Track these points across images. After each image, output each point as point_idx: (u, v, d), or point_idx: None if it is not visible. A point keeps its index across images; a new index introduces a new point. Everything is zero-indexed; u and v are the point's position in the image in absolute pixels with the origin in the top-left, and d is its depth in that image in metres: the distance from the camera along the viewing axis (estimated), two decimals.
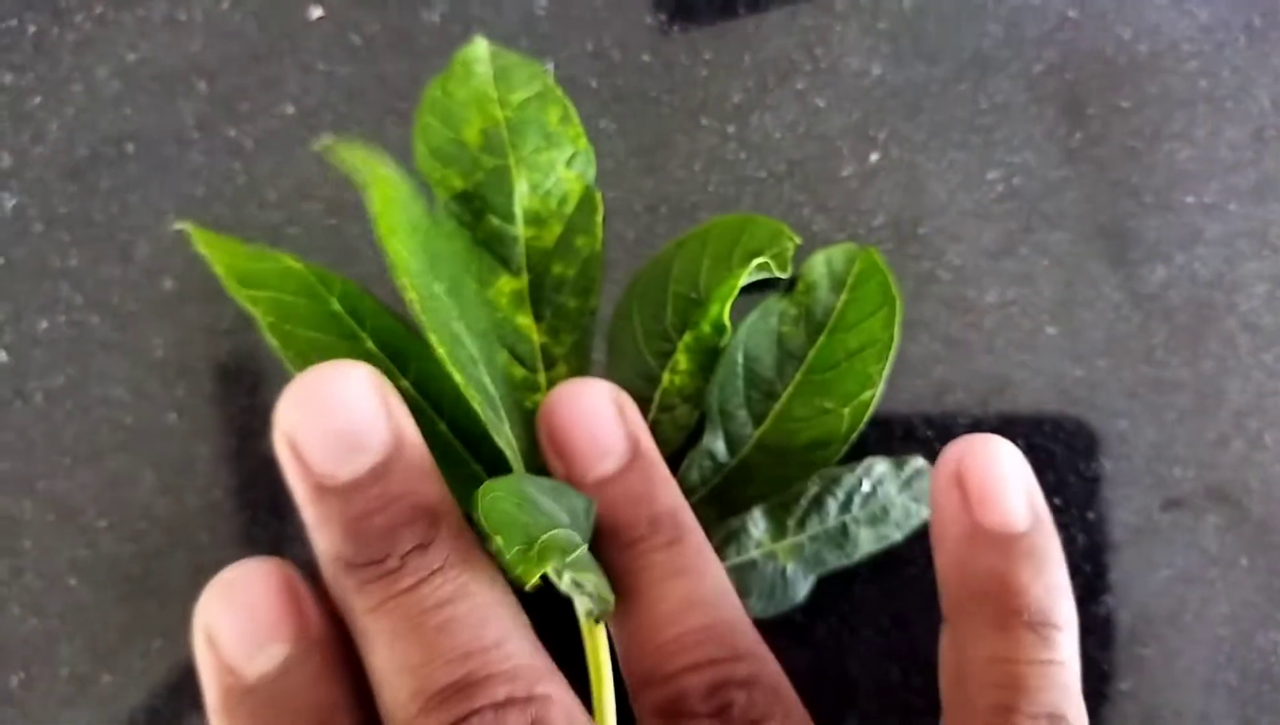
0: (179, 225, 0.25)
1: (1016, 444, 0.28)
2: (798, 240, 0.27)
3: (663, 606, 0.22)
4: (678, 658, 0.21)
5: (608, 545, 0.23)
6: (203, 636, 0.20)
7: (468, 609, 0.20)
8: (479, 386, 0.24)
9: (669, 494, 0.24)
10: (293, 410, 0.20)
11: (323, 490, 0.20)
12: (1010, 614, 0.21)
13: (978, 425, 0.29)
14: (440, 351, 0.22)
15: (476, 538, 0.21)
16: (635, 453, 0.24)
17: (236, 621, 0.20)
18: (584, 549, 0.22)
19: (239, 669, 0.20)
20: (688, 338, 0.27)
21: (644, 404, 0.27)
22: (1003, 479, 0.22)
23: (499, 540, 0.19)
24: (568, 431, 0.24)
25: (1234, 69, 0.30)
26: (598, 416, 0.24)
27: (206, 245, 0.23)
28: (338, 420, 0.20)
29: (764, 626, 0.27)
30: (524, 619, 0.21)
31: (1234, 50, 0.31)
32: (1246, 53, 0.31)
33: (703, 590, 0.22)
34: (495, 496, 0.20)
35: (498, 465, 0.25)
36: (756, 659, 0.22)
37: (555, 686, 0.20)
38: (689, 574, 0.22)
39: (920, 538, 0.28)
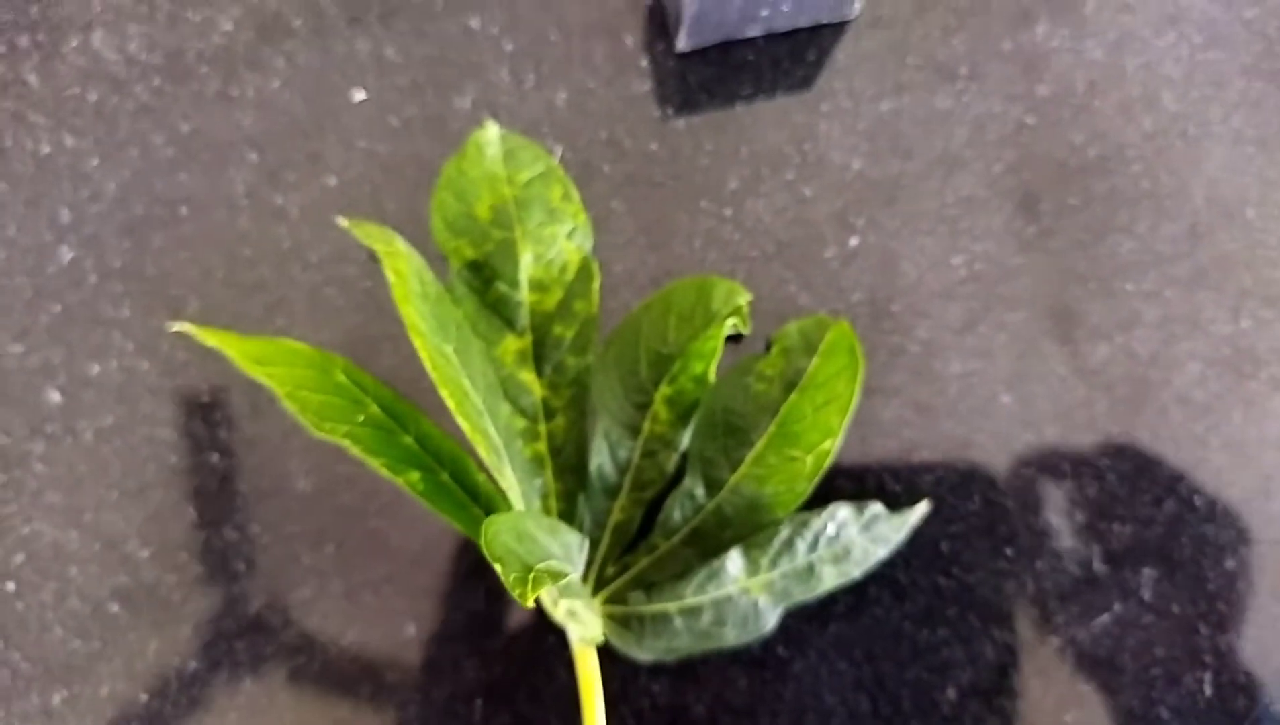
0: (177, 327, 0.27)
1: (973, 501, 0.33)
2: (749, 296, 0.31)
3: None
4: None
5: None
6: None
7: None
8: (484, 434, 0.28)
9: None
10: None
11: None
12: None
13: (941, 482, 0.33)
14: (450, 403, 0.26)
15: None
16: None
17: None
18: (574, 577, 0.26)
19: None
20: (667, 390, 0.31)
21: (627, 450, 0.31)
22: None
23: (500, 567, 0.22)
24: None
25: (1172, 171, 0.35)
26: None
27: (211, 338, 0.25)
28: None
29: (750, 660, 0.32)
30: None
31: (1172, 154, 0.35)
32: (1184, 156, 0.35)
33: None
34: (497, 530, 0.24)
35: (495, 507, 0.28)
36: None
37: None
38: None
39: (887, 580, 0.32)
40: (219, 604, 0.32)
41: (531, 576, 0.23)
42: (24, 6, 0.36)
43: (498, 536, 0.24)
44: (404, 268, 0.27)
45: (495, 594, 0.32)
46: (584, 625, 0.29)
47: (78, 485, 0.32)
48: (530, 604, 0.22)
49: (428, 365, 0.26)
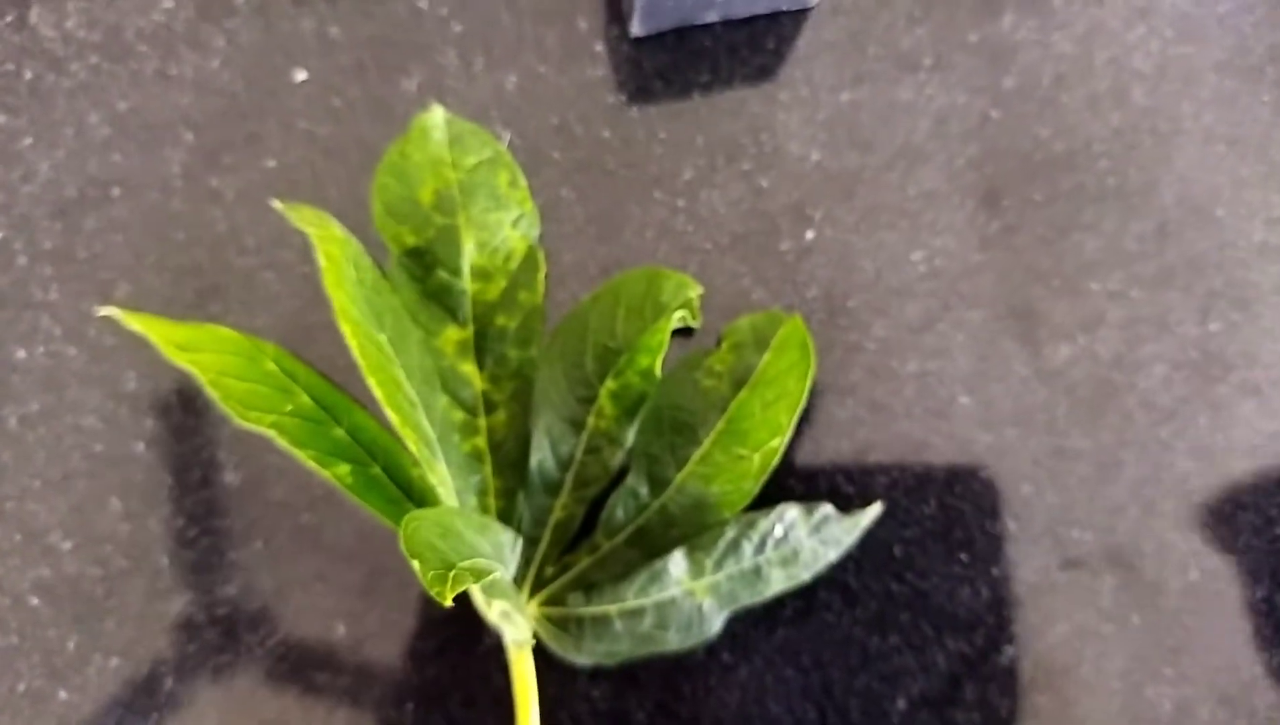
0: (103, 311, 0.26)
1: (929, 504, 0.33)
2: (700, 289, 0.31)
3: None
4: None
5: None
6: None
7: None
8: (415, 427, 0.28)
9: None
10: None
11: None
12: None
13: (896, 486, 0.33)
14: (378, 393, 0.26)
15: None
16: None
17: None
18: (504, 576, 0.26)
19: None
20: (612, 385, 0.31)
21: (570, 446, 0.31)
22: None
23: (418, 564, 0.23)
24: None
25: (1140, 168, 0.36)
26: None
27: (139, 323, 0.26)
28: None
29: (693, 666, 0.32)
30: None
31: (1141, 151, 0.36)
32: (1153, 153, 0.36)
33: None
34: (417, 526, 0.24)
35: (430, 503, 0.28)
36: None
37: None
38: None
39: (837, 584, 0.32)
40: (142, 599, 0.32)
41: (452, 574, 0.23)
42: None
43: (418, 532, 0.24)
44: (336, 252, 0.27)
45: (424, 596, 0.32)
46: (517, 627, 0.29)
47: None
48: (449, 603, 0.22)
49: (356, 353, 0.26)
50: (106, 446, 0.33)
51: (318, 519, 0.32)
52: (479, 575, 0.24)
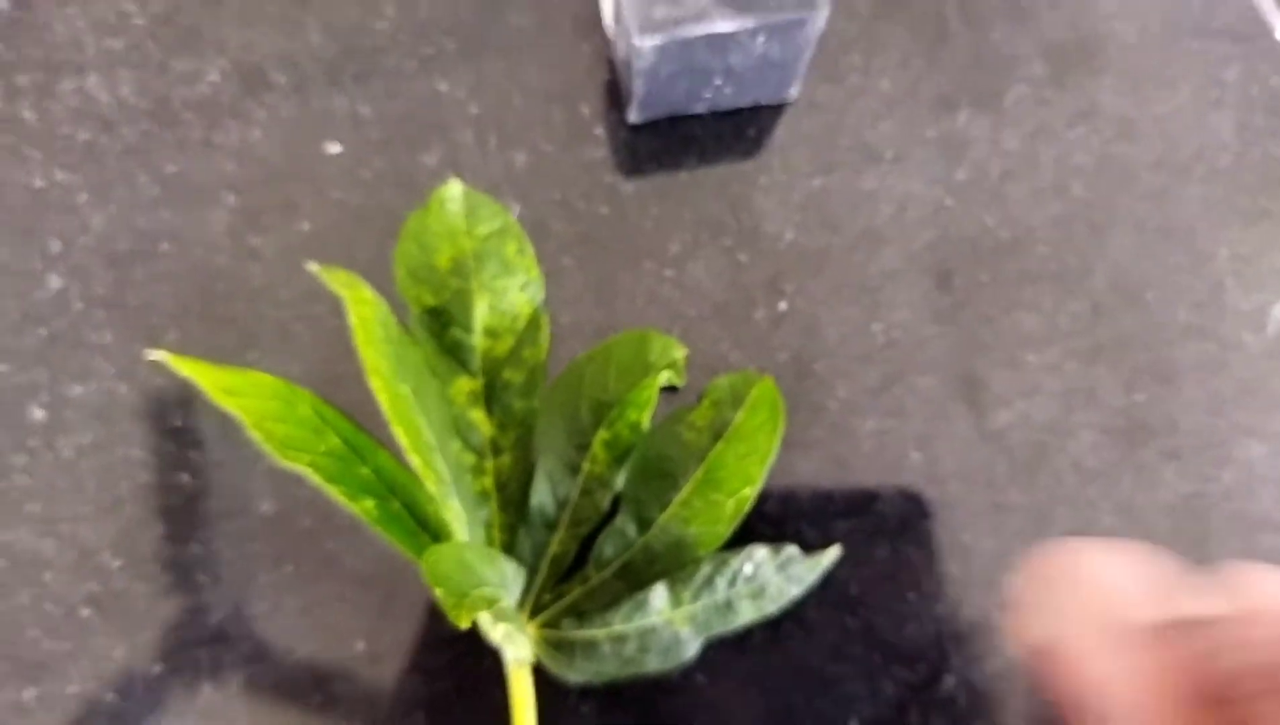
0: (153, 355, 0.28)
1: (882, 548, 0.37)
2: (685, 351, 0.35)
3: None
4: None
5: None
6: None
7: None
8: (434, 469, 0.32)
9: None
10: None
11: None
12: None
13: (853, 531, 0.37)
14: (403, 440, 0.30)
15: None
16: None
17: None
18: (508, 603, 0.30)
19: None
20: (605, 434, 0.35)
21: (567, 488, 0.35)
22: None
23: (439, 591, 0.26)
24: None
25: (1078, 254, 0.40)
26: None
27: (186, 367, 0.28)
28: None
29: (671, 686, 0.36)
30: None
31: (1079, 239, 0.40)
32: (1088, 241, 0.40)
33: None
34: (436, 559, 0.28)
35: (442, 536, 0.32)
36: None
37: None
38: None
39: (799, 617, 0.36)
40: (183, 614, 0.35)
41: (467, 601, 0.27)
42: (24, 48, 0.40)
43: (438, 564, 0.28)
44: (368, 313, 0.31)
45: (438, 615, 0.36)
46: (517, 647, 0.33)
47: (56, 498, 0.36)
48: (466, 625, 0.25)
49: (384, 405, 0.30)
50: (153, 476, 0.36)
51: (341, 547, 0.36)
52: (490, 602, 0.28)
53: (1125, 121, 0.41)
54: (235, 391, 0.29)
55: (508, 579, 0.31)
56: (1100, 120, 0.41)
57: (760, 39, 0.36)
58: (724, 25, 0.36)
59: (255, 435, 0.28)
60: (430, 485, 0.31)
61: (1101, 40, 0.42)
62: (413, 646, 0.36)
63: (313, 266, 0.33)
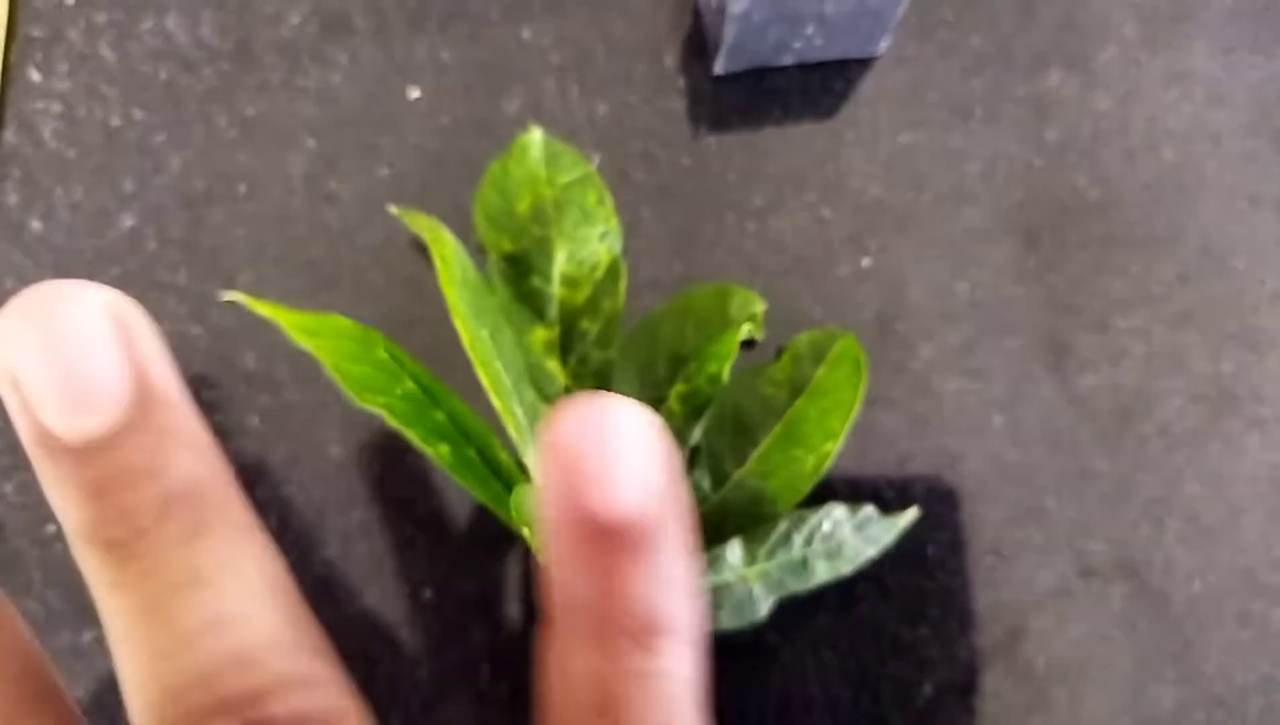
0: (229, 296, 0.28)
1: (961, 512, 0.37)
2: (765, 305, 0.35)
3: (177, 625, 0.17)
4: (190, 695, 0.16)
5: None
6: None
7: (215, 594, 0.17)
8: (513, 414, 0.31)
9: (190, 460, 0.17)
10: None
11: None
12: (607, 619, 0.17)
13: (932, 491, 0.37)
14: (486, 382, 0.30)
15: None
16: (143, 400, 0.17)
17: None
18: None
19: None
20: (682, 387, 0.35)
21: None
22: (607, 451, 0.16)
23: (526, 531, 0.27)
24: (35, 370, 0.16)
25: (1167, 218, 0.39)
26: (85, 344, 0.16)
27: (265, 308, 0.28)
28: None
29: (742, 645, 0.35)
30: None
31: (1168, 204, 0.40)
32: (1178, 205, 0.40)
33: (233, 602, 0.17)
34: (523, 500, 0.28)
35: (515, 482, 0.31)
36: (300, 687, 0.17)
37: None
38: (215, 579, 0.17)
39: (874, 579, 0.36)
40: None
41: None
42: None
43: (525, 505, 0.28)
44: (449, 254, 0.31)
45: (505, 567, 0.36)
46: None
47: None
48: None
49: (467, 346, 0.30)
50: (224, 418, 0.37)
51: (410, 494, 0.36)
52: None
53: (1218, 85, 0.41)
54: (313, 331, 0.29)
55: None
56: (1193, 83, 0.40)
57: None
58: None
59: (332, 375, 0.28)
60: (511, 430, 0.31)
61: (1195, 4, 0.41)
62: (480, 597, 0.36)
63: (394, 209, 0.33)
